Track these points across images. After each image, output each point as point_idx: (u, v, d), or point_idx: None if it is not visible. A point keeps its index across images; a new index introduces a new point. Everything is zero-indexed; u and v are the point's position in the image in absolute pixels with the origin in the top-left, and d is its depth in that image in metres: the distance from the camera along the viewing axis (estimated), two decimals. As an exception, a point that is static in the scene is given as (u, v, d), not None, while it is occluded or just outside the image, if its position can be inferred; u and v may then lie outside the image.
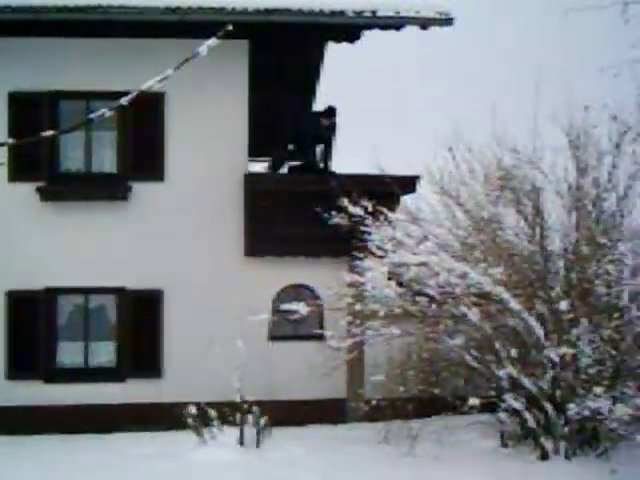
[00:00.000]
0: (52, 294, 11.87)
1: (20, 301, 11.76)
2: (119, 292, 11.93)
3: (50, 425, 11.42)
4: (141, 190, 11.96)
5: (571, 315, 9.30)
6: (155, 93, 11.36)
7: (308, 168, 12.41)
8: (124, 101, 3.29)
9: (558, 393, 9.17)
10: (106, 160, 12.20)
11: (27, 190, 11.78)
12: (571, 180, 10.03)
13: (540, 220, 9.94)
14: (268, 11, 11.19)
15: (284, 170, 13.19)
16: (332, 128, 12.32)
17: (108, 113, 3.32)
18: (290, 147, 12.57)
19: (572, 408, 8.89)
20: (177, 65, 3.22)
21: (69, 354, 12.00)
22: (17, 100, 11.83)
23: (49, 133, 3.43)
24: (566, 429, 9.07)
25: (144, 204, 11.97)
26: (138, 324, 11.89)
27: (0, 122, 11.73)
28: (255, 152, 13.68)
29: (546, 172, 10.13)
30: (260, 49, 12.29)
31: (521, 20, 30.37)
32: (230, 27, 3.27)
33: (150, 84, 3.28)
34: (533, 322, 9.33)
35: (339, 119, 12.31)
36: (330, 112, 12.28)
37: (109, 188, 11.99)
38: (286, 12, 11.24)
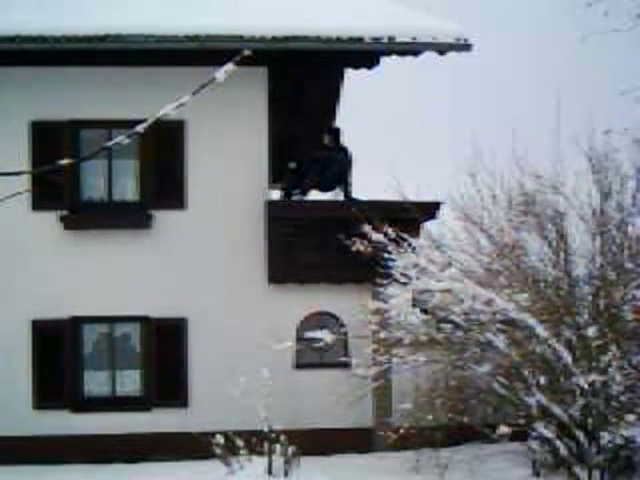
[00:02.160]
0: (77, 323, 11.87)
1: (45, 330, 11.78)
2: (143, 321, 11.91)
3: (77, 455, 11.41)
4: (163, 218, 11.96)
5: (599, 341, 9.13)
6: (175, 121, 11.45)
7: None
8: (140, 128, 3.24)
9: (590, 421, 9.03)
10: (128, 189, 12.23)
11: (50, 219, 11.82)
12: (595, 205, 9.93)
13: (564, 245, 9.85)
14: (286, 38, 11.20)
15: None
16: (341, 150, 12.27)
17: (125, 141, 3.27)
18: (292, 165, 12.53)
19: (604, 436, 8.71)
20: (194, 91, 3.17)
21: (95, 383, 12.00)
22: (39, 129, 11.91)
23: (65, 161, 3.38)
24: (600, 458, 8.88)
25: (166, 232, 11.97)
26: (163, 353, 11.86)
27: (23, 151, 11.78)
28: (276, 179, 13.64)
29: (569, 197, 10.02)
30: (279, 76, 12.31)
31: (540, 44, 30.32)
32: (247, 52, 3.20)
33: (166, 111, 3.23)
34: (561, 349, 9.17)
35: (360, 145, 12.27)
36: (333, 131, 12.27)
37: (131, 217, 12.01)
38: (304, 39, 11.25)
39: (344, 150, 12.45)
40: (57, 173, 10.83)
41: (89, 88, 11.98)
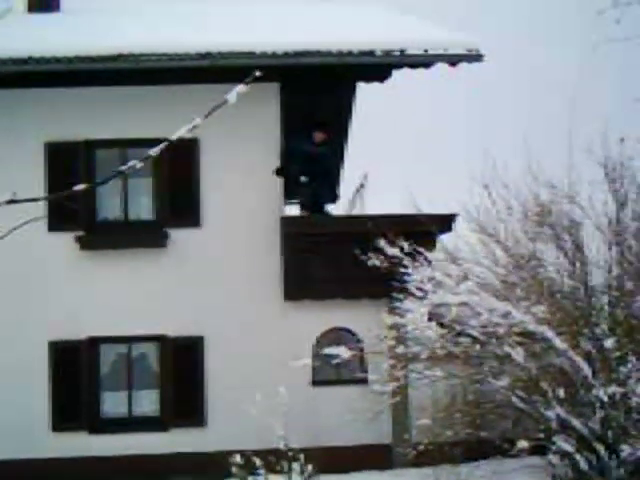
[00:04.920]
0: (94, 343, 11.88)
1: (63, 351, 11.80)
2: (160, 340, 11.91)
3: (95, 476, 11.36)
4: (179, 237, 11.97)
5: (618, 353, 9.06)
6: (189, 139, 11.44)
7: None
8: (153, 152, 3.26)
9: (609, 434, 8.92)
10: (143, 208, 12.28)
11: (66, 240, 11.85)
12: (610, 214, 9.85)
13: (581, 255, 9.77)
14: (298, 54, 11.24)
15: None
16: (326, 147, 12.22)
17: (138, 165, 3.28)
18: (303, 179, 12.30)
19: (625, 449, 8.62)
20: (206, 114, 3.18)
21: (113, 404, 12.01)
22: (54, 150, 11.98)
23: (81, 187, 3.40)
24: (620, 471, 8.79)
25: (182, 250, 11.98)
26: (180, 372, 11.85)
27: (38, 172, 11.84)
28: (291, 194, 13.64)
29: (584, 206, 9.96)
30: (291, 91, 12.33)
31: (553, 51, 30.25)
32: (258, 73, 3.21)
33: (179, 134, 3.23)
34: (579, 361, 9.09)
35: (374, 159, 12.26)
36: (322, 126, 12.21)
37: (147, 236, 12.04)
38: (316, 54, 11.30)
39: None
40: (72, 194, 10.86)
41: (103, 108, 12.04)
